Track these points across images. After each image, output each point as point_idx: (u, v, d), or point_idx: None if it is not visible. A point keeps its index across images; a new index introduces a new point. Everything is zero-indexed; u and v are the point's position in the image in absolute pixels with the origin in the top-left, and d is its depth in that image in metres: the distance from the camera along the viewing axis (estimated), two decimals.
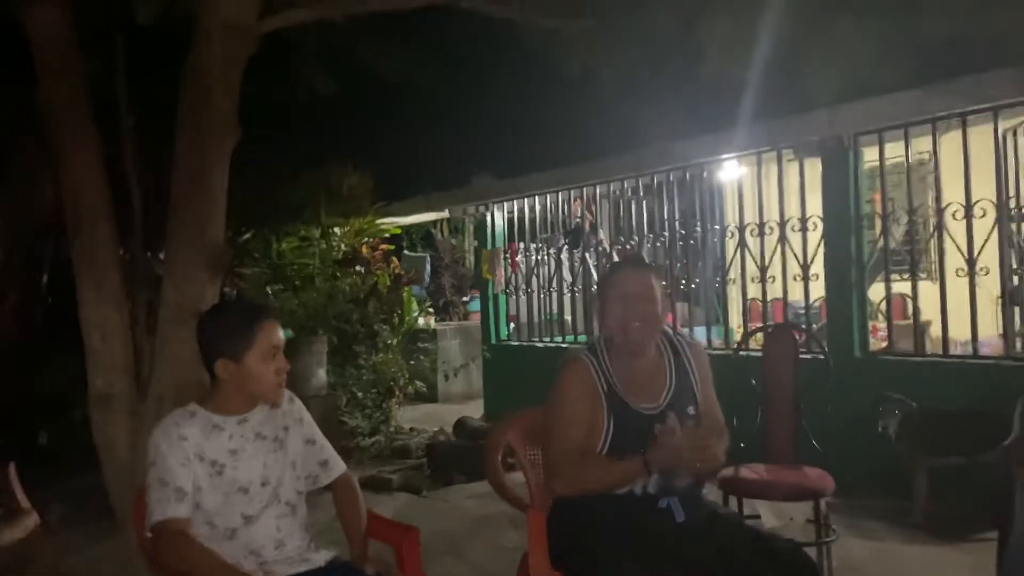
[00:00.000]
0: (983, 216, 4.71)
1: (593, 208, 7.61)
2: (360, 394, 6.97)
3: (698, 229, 6.42)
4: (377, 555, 2.26)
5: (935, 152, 4.91)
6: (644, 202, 6.84)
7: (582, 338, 7.57)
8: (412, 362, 7.67)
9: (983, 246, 4.72)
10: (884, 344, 5.50)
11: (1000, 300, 4.90)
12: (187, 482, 2.05)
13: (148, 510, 2.06)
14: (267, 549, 2.13)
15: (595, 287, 7.26)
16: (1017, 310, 5.02)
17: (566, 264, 7.54)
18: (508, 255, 7.99)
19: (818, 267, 5.44)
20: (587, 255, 7.33)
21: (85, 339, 2.83)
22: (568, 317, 7.78)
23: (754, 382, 3.76)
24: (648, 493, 2.31)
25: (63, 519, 4.84)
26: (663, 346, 2.48)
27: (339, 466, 2.38)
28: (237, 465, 2.13)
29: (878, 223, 5.39)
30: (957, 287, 4.85)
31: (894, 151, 5.24)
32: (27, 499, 3.48)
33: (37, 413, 6.12)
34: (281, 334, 2.19)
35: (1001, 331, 4.97)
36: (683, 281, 6.56)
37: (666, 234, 6.61)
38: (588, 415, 2.35)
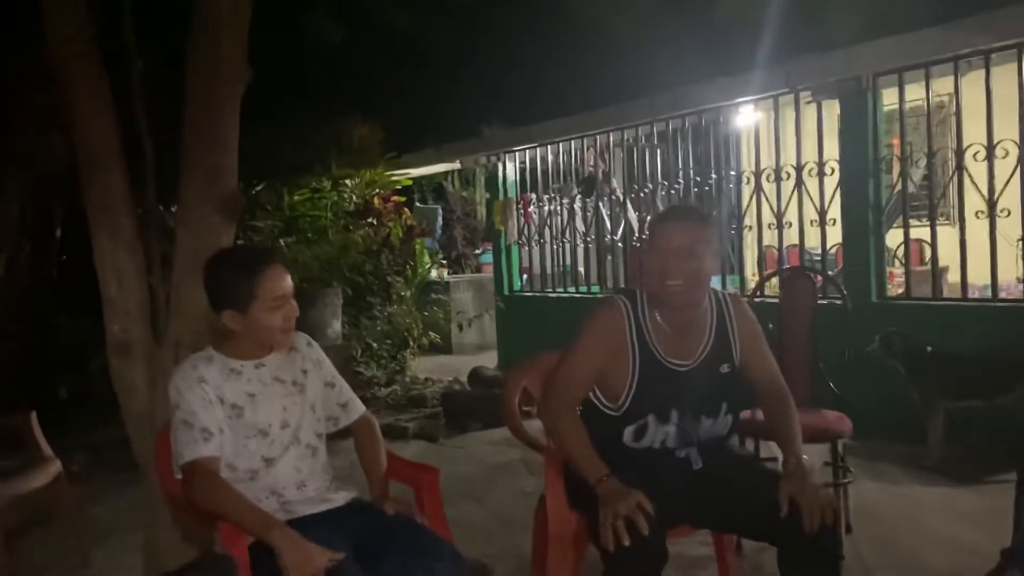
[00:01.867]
0: (1005, 157, 4.62)
1: (606, 156, 7.53)
2: (375, 345, 7.01)
3: (713, 176, 6.35)
4: (397, 496, 2.27)
5: (957, 92, 4.81)
6: (658, 150, 6.76)
7: (595, 288, 7.57)
8: (426, 314, 7.69)
9: (1004, 188, 4.65)
10: (901, 290, 5.46)
11: (1020, 243, 4.84)
12: (211, 422, 2.06)
13: (175, 452, 2.08)
14: (288, 490, 2.15)
15: (608, 237, 7.23)
16: None
17: (579, 214, 7.49)
18: (520, 206, 7.94)
19: (835, 212, 5.38)
20: (600, 204, 7.27)
21: (102, 287, 2.83)
22: (581, 268, 7.75)
23: (771, 326, 3.74)
24: (667, 447, 2.28)
25: (86, 468, 4.93)
26: (710, 301, 2.34)
27: (359, 407, 2.39)
28: (256, 408, 2.14)
29: (896, 167, 5.31)
30: (976, 231, 4.79)
31: (914, 94, 5.15)
32: (49, 448, 3.55)
33: (56, 367, 6.20)
34: (287, 281, 2.15)
35: (1021, 275, 4.91)
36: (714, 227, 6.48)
37: (680, 182, 6.55)
38: (607, 358, 2.27)
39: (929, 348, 4.41)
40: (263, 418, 2.14)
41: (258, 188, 6.84)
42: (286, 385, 2.21)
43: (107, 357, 2.88)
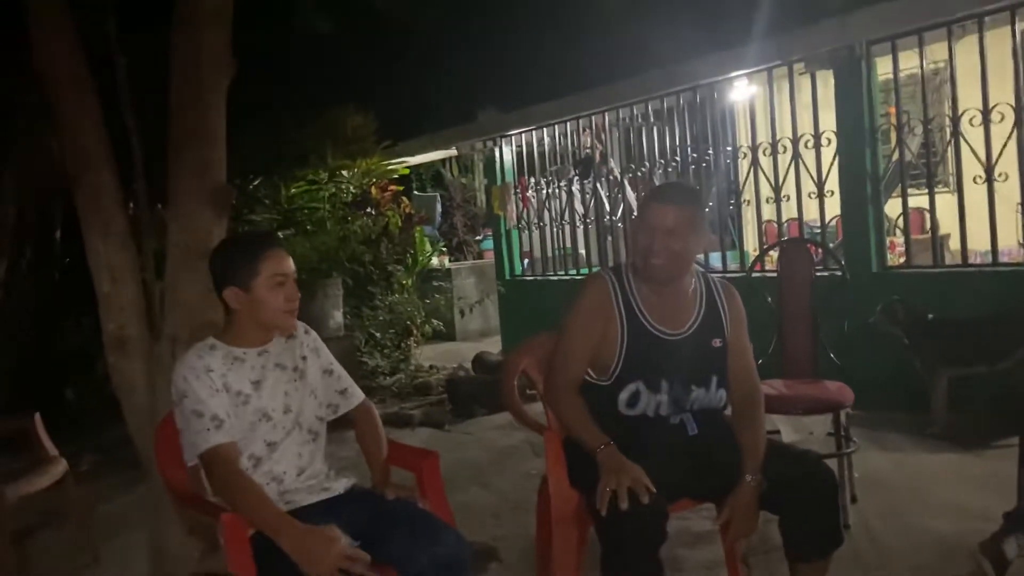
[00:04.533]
0: (1001, 121, 4.59)
1: (603, 137, 7.50)
2: (378, 334, 7.02)
3: (710, 152, 6.32)
4: (399, 482, 2.28)
5: (951, 58, 4.77)
6: (654, 128, 6.73)
7: (596, 270, 7.55)
8: (427, 301, 7.69)
9: (1001, 152, 4.61)
10: (902, 259, 5.44)
11: (1020, 207, 4.81)
12: (220, 409, 2.06)
13: (190, 443, 2.08)
14: (289, 476, 2.15)
15: (607, 217, 7.22)
16: None
17: (577, 196, 7.47)
18: (518, 190, 7.92)
19: (833, 184, 5.35)
20: (598, 185, 7.25)
21: (96, 284, 2.84)
22: (582, 250, 7.73)
23: (770, 299, 3.74)
24: (660, 415, 2.31)
25: (92, 469, 4.96)
26: (698, 280, 2.42)
27: (358, 394, 2.39)
28: (261, 395, 2.15)
29: (893, 136, 5.28)
30: (975, 197, 4.76)
31: (908, 62, 5.11)
32: (55, 448, 3.56)
33: (61, 369, 6.22)
34: (289, 262, 2.17)
35: (1021, 239, 4.89)
36: (705, 208, 6.47)
37: (677, 159, 6.52)
38: (599, 331, 2.32)
39: (931, 315, 4.39)
40: (268, 403, 2.15)
41: (255, 182, 6.82)
42: (287, 371, 2.22)
43: (105, 354, 2.89)
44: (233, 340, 2.18)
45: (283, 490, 2.12)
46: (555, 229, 7.73)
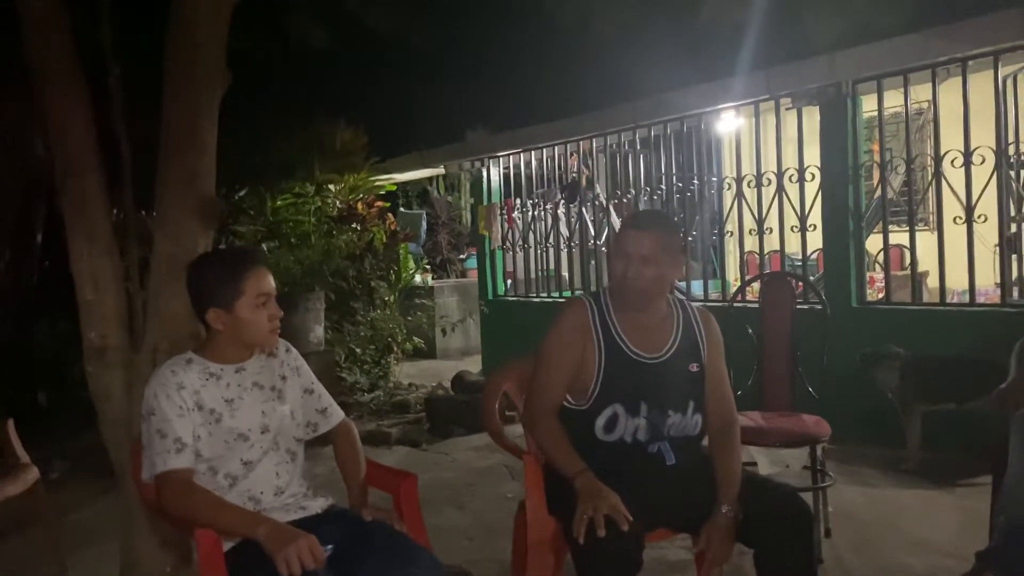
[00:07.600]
0: (982, 163, 4.67)
1: (590, 162, 7.56)
2: (358, 350, 6.99)
3: (695, 182, 6.38)
4: (375, 503, 2.27)
5: (935, 99, 4.86)
6: (641, 156, 6.79)
7: (579, 293, 7.58)
8: (409, 318, 7.67)
9: (981, 194, 4.69)
10: (881, 295, 5.50)
11: (997, 248, 4.89)
12: (186, 432, 2.04)
13: (147, 461, 2.06)
14: (266, 495, 2.13)
15: (591, 242, 7.26)
16: (1015, 257, 5.00)
17: (563, 219, 7.51)
18: (504, 211, 7.95)
19: (816, 218, 5.41)
20: (584, 210, 7.29)
21: (78, 291, 2.81)
22: (565, 273, 7.77)
23: (750, 331, 3.76)
24: (638, 440, 2.32)
25: (64, 476, 4.89)
26: (674, 306, 2.45)
27: (338, 414, 2.38)
28: (234, 414, 2.12)
29: (876, 173, 5.35)
30: (955, 236, 4.83)
31: (893, 101, 5.19)
32: (27, 455, 3.51)
33: (36, 373, 6.13)
34: (271, 280, 2.16)
35: (998, 280, 4.96)
36: (680, 235, 6.52)
37: (663, 187, 6.57)
38: (577, 354, 2.34)
39: (899, 349, 4.44)
40: (243, 423, 2.13)
41: (241, 193, 6.80)
42: (265, 391, 2.20)
43: (84, 362, 2.86)
44: (211, 355, 2.16)
45: (260, 510, 2.10)
46: (539, 251, 7.76)
